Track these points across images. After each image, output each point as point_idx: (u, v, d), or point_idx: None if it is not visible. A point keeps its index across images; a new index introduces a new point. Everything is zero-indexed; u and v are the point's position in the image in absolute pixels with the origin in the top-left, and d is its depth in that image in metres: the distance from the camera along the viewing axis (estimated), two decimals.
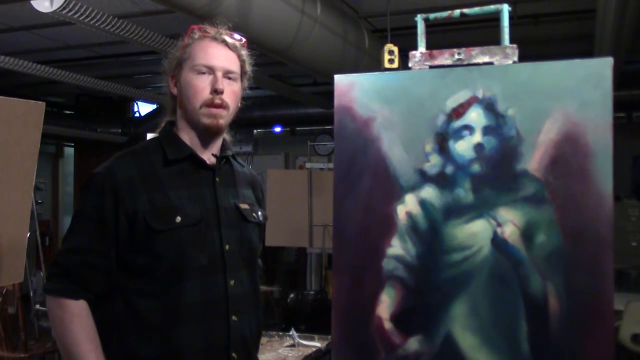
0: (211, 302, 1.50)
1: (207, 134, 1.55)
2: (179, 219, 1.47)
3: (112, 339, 1.45)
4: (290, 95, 6.62)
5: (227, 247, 1.54)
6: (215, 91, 1.50)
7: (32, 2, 3.14)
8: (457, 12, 1.58)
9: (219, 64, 1.52)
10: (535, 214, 1.42)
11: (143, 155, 1.52)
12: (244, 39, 1.61)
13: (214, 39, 1.54)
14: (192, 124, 1.54)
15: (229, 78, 1.54)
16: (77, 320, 1.42)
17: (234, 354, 1.52)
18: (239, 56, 1.57)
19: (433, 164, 1.49)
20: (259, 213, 1.66)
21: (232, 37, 1.57)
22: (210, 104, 1.50)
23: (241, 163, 1.70)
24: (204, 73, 1.51)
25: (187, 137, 1.56)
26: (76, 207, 1.52)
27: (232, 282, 1.53)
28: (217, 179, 1.57)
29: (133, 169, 1.48)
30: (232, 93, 1.54)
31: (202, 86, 1.50)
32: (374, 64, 4.36)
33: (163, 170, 1.51)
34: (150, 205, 1.46)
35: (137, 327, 1.44)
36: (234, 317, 1.52)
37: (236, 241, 1.57)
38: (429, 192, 1.49)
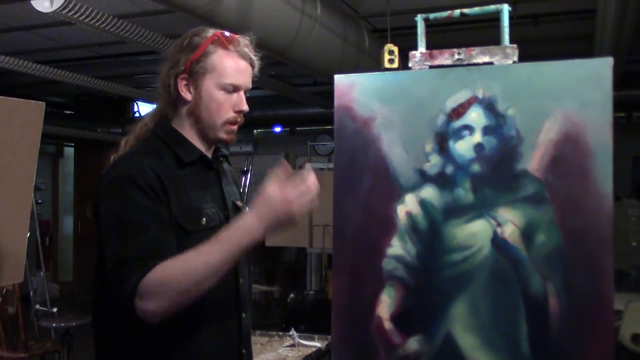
0: (227, 301, 1.52)
1: (216, 143, 1.57)
2: (204, 220, 1.46)
3: (131, 339, 1.44)
4: (290, 95, 6.62)
5: None
6: (240, 111, 1.52)
7: (32, 2, 3.14)
8: (457, 12, 1.58)
9: (244, 83, 1.52)
10: (535, 214, 1.42)
11: (157, 157, 1.47)
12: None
13: (242, 56, 1.51)
14: (205, 133, 1.53)
15: (244, 93, 1.55)
16: (169, 263, 1.30)
17: (243, 350, 1.56)
18: (253, 69, 1.56)
19: (433, 164, 1.49)
20: (247, 209, 1.67)
21: (252, 52, 1.55)
22: (233, 122, 1.52)
23: (229, 162, 1.71)
24: (230, 92, 1.50)
25: (193, 138, 1.54)
26: (109, 215, 1.38)
27: (241, 281, 1.55)
28: (220, 178, 1.58)
29: (158, 169, 1.43)
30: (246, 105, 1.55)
31: (228, 105, 1.50)
32: (374, 64, 4.36)
33: (179, 172, 1.48)
34: (179, 207, 1.43)
35: (158, 327, 1.41)
36: (243, 315, 1.55)
37: None
38: (429, 192, 1.49)
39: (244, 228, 1.32)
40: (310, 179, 1.34)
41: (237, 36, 1.53)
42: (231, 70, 1.49)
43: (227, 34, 1.53)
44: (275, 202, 1.31)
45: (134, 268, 1.31)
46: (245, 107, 1.52)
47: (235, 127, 1.53)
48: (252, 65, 1.54)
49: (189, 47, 1.50)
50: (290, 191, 1.32)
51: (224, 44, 1.49)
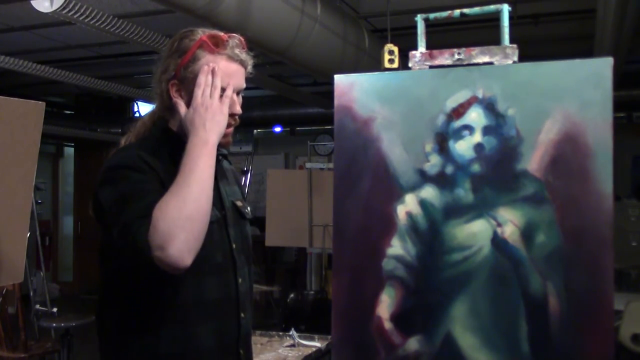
0: (226, 300, 1.51)
1: None
2: None
3: (133, 336, 1.44)
4: (290, 95, 6.62)
5: (234, 245, 1.55)
6: (233, 114, 1.49)
7: (32, 2, 3.14)
8: (457, 12, 1.58)
9: (235, 86, 1.49)
10: (535, 214, 1.42)
11: (152, 153, 1.47)
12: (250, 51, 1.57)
13: (231, 58, 1.48)
14: None
15: (237, 93, 1.52)
16: (161, 202, 1.31)
17: (241, 351, 1.55)
18: (246, 69, 1.53)
19: (433, 164, 1.49)
20: (249, 209, 1.67)
21: (244, 51, 1.52)
22: (227, 125, 1.48)
23: (228, 160, 1.70)
24: (220, 95, 1.47)
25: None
26: (109, 197, 1.38)
27: (240, 280, 1.55)
28: (217, 178, 1.57)
29: (151, 162, 1.43)
30: (239, 106, 1.52)
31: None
32: (374, 64, 4.36)
33: (174, 169, 1.45)
34: None
35: (159, 324, 1.43)
36: (242, 315, 1.55)
37: (239, 239, 1.58)
38: (429, 192, 1.49)
39: (197, 142, 1.40)
40: (200, 80, 1.45)
41: (226, 37, 1.49)
42: (220, 74, 1.46)
43: (216, 35, 1.49)
44: (198, 111, 1.43)
45: (138, 228, 1.30)
46: (238, 110, 1.50)
47: (230, 130, 1.51)
48: (243, 65, 1.51)
49: (178, 52, 1.48)
50: (197, 97, 1.44)
51: (210, 48, 1.47)
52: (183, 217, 1.29)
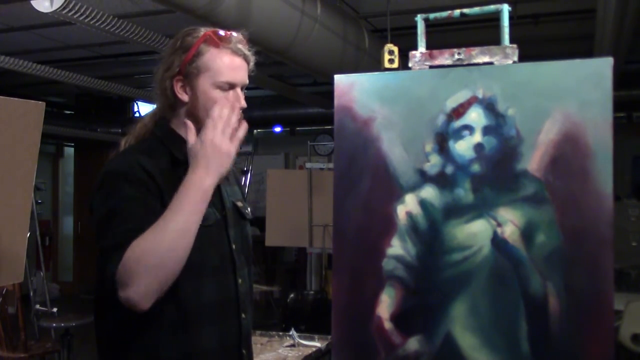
0: (225, 301, 1.52)
1: None
2: None
3: (131, 340, 1.44)
4: (290, 95, 6.62)
5: (234, 246, 1.55)
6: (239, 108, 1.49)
7: (32, 2, 3.15)
8: (457, 12, 1.58)
9: (240, 80, 1.50)
10: (535, 214, 1.42)
11: (150, 155, 1.47)
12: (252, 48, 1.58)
13: (235, 52, 1.50)
14: None
15: (240, 88, 1.53)
16: (138, 241, 1.29)
17: (244, 351, 1.56)
18: (249, 64, 1.54)
19: (433, 164, 1.49)
20: (249, 209, 1.68)
21: (246, 48, 1.53)
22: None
23: None
24: (226, 90, 1.48)
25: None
26: (99, 209, 1.40)
27: (240, 281, 1.55)
28: None
29: (149, 167, 1.43)
30: (244, 101, 1.53)
31: (225, 103, 1.47)
32: (374, 64, 4.36)
33: (175, 171, 1.46)
34: None
35: (158, 328, 1.43)
36: (243, 315, 1.55)
37: (239, 239, 1.58)
38: (429, 192, 1.49)
39: (193, 183, 1.36)
40: (214, 113, 1.41)
41: (229, 33, 1.51)
42: (225, 68, 1.47)
43: (219, 31, 1.51)
44: (205, 147, 1.39)
45: (109, 258, 1.31)
46: (243, 104, 1.51)
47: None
48: (246, 61, 1.52)
49: (182, 48, 1.49)
50: (208, 130, 1.40)
51: (215, 42, 1.48)
52: (152, 263, 1.29)
